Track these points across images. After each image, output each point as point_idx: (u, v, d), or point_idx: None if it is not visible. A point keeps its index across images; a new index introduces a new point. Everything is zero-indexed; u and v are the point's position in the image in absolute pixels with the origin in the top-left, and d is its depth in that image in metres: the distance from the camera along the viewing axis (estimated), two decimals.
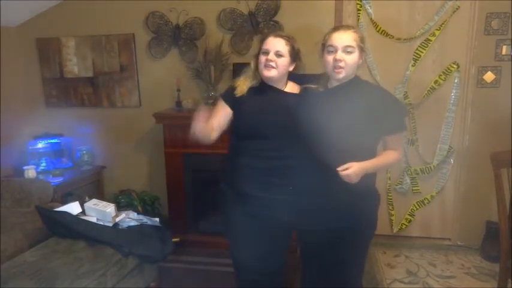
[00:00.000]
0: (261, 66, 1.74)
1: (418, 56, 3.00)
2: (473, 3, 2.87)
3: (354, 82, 1.67)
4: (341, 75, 1.62)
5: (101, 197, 3.27)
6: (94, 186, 3.51)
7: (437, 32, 2.95)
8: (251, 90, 1.78)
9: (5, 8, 3.00)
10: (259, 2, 3.08)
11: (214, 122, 1.78)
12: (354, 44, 1.60)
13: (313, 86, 1.75)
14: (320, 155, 1.59)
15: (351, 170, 1.53)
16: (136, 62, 3.38)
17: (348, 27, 1.68)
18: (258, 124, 1.72)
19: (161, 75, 3.33)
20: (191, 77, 3.22)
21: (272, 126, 1.71)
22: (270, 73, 1.73)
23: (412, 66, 3.02)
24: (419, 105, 3.07)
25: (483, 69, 2.92)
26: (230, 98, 1.80)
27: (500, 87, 2.91)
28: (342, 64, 1.59)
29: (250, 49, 3.13)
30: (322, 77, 1.74)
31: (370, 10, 3.03)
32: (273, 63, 1.71)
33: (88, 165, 3.44)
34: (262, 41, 1.78)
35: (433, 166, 3.11)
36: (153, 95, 3.38)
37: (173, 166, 3.02)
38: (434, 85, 3.01)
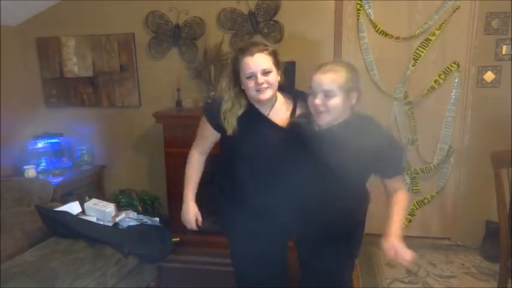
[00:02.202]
0: (252, 92, 1.56)
1: (418, 55, 3.00)
2: (473, 3, 2.87)
3: (348, 124, 1.53)
4: (323, 121, 1.51)
5: (101, 196, 3.26)
6: (94, 186, 3.51)
7: (437, 32, 2.94)
8: (239, 119, 1.61)
9: (5, 7, 3.00)
10: (259, 1, 3.08)
11: (205, 146, 1.75)
12: (334, 87, 1.46)
13: (304, 120, 1.61)
14: (310, 189, 1.56)
15: (394, 250, 1.50)
16: (136, 62, 3.37)
17: (332, 67, 1.52)
18: (247, 154, 1.62)
19: (161, 75, 3.33)
20: (191, 77, 3.22)
21: (264, 161, 1.61)
22: (266, 95, 1.56)
23: (412, 66, 3.02)
24: (420, 104, 3.07)
25: (483, 69, 2.92)
26: (218, 125, 1.63)
27: (500, 87, 2.91)
28: (322, 109, 1.48)
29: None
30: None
31: (369, 11, 3.03)
32: (264, 85, 1.54)
33: (88, 165, 3.44)
34: (237, 61, 1.58)
35: (433, 166, 3.11)
36: (153, 94, 3.38)
37: (173, 166, 3.02)
38: (434, 85, 3.01)
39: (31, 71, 3.54)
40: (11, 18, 3.32)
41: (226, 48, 3.13)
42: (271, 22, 3.09)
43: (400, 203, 1.61)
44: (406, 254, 1.48)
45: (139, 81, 3.41)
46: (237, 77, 1.61)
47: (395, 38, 3.00)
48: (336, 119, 1.52)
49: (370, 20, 3.03)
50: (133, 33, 3.32)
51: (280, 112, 1.65)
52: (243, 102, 1.62)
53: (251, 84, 1.55)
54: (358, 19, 3.04)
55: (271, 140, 1.61)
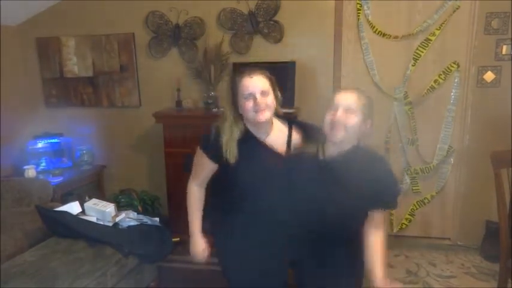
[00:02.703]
0: (249, 113, 1.55)
1: (418, 55, 3.00)
2: (473, 3, 2.87)
3: (353, 154, 1.54)
4: (337, 137, 1.50)
5: (101, 196, 3.26)
6: (94, 186, 3.51)
7: (437, 32, 2.94)
8: (238, 146, 1.59)
9: (5, 7, 3.00)
10: (259, 1, 3.08)
11: (203, 178, 1.71)
12: (356, 105, 1.49)
13: (305, 151, 1.61)
14: (311, 219, 1.53)
15: None
16: (136, 62, 3.38)
17: (353, 90, 1.57)
18: (246, 181, 1.59)
19: (161, 75, 3.33)
20: (191, 77, 3.22)
21: (264, 192, 1.58)
22: (264, 116, 1.55)
23: (412, 66, 3.02)
24: (419, 104, 3.07)
25: (483, 69, 2.92)
26: (216, 156, 1.61)
27: (500, 87, 2.91)
28: (341, 121, 1.48)
29: (250, 49, 3.14)
30: (317, 133, 1.61)
31: (367, 11, 3.03)
32: (263, 106, 1.54)
33: (88, 165, 3.44)
34: (235, 83, 1.59)
35: (433, 166, 3.11)
36: (153, 94, 3.38)
37: (173, 166, 3.02)
38: (434, 85, 3.01)
39: (31, 71, 3.54)
40: (11, 18, 3.32)
41: (226, 48, 3.13)
42: (271, 22, 3.09)
43: (378, 247, 1.58)
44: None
45: (139, 81, 3.41)
46: (234, 101, 1.61)
47: (394, 38, 2.99)
48: (349, 141, 1.53)
49: (368, 21, 3.03)
50: (133, 33, 3.32)
51: (276, 137, 1.65)
52: (241, 126, 1.61)
53: (249, 105, 1.55)
54: (358, 19, 3.04)
55: (270, 167, 1.60)
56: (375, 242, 1.57)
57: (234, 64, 3.08)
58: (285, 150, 1.64)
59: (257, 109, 1.54)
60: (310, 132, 1.65)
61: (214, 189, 1.75)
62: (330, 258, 1.60)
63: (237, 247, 1.67)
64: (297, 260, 1.70)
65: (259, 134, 1.63)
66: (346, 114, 1.49)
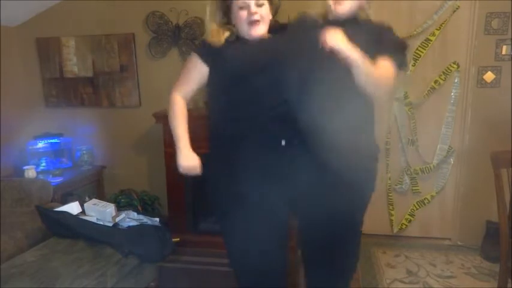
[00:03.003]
0: (243, 25, 1.47)
1: (418, 55, 3.00)
2: (473, 3, 2.87)
3: (355, 20, 1.52)
4: (345, 8, 1.48)
5: (101, 197, 3.27)
6: (94, 186, 3.51)
7: (437, 32, 2.95)
8: (229, 43, 1.50)
9: (5, 8, 3.00)
10: None
11: (187, 88, 1.60)
12: None
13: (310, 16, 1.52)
14: (321, 95, 1.40)
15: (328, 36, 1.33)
16: (137, 62, 3.38)
17: None
18: (240, 85, 1.46)
19: (161, 75, 3.33)
20: None
21: (254, 87, 1.46)
22: (259, 30, 1.47)
23: (412, 66, 3.02)
24: (420, 105, 3.07)
25: (483, 69, 2.92)
26: (207, 54, 1.52)
27: (500, 87, 2.91)
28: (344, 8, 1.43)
29: None
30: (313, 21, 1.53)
31: (369, 11, 3.02)
32: (257, 16, 1.45)
33: (88, 165, 3.44)
34: None
35: (433, 166, 3.11)
36: (153, 94, 3.38)
37: (173, 166, 3.00)
38: (434, 85, 3.01)
39: (31, 71, 3.54)
40: (11, 19, 3.32)
41: None
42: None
43: (379, 65, 1.43)
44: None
45: (139, 81, 3.41)
46: (228, 13, 1.52)
47: None
48: (349, 12, 1.51)
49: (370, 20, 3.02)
50: (133, 33, 3.32)
51: None
52: (234, 30, 1.52)
53: (243, 15, 1.46)
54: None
55: (265, 56, 1.48)
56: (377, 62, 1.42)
57: None
58: (291, 24, 1.59)
59: (251, 20, 1.46)
60: None
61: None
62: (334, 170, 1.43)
63: (239, 194, 1.53)
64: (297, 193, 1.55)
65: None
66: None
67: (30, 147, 3.34)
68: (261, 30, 1.48)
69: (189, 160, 1.57)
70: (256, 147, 1.51)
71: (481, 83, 2.94)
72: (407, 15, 3.00)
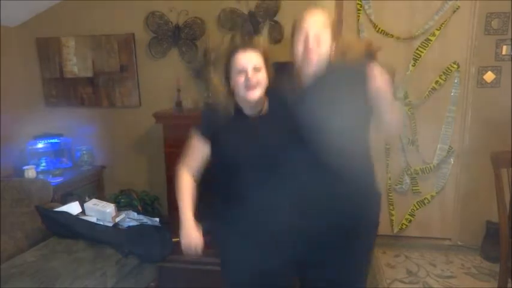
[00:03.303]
0: (240, 89, 1.50)
1: (418, 55, 3.00)
2: (473, 3, 2.87)
3: (330, 66, 1.50)
4: (313, 62, 1.46)
5: (101, 197, 3.26)
6: (94, 186, 3.50)
7: (437, 32, 2.95)
8: (226, 123, 1.56)
9: (5, 8, 3.00)
10: (259, 2, 3.08)
11: (193, 163, 1.64)
12: (325, 25, 1.48)
13: (280, 89, 1.55)
14: (316, 157, 1.43)
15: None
16: (136, 62, 3.37)
17: (317, 12, 1.53)
18: (239, 160, 1.53)
19: (161, 75, 3.33)
20: (191, 77, 3.22)
21: (251, 157, 1.51)
22: (256, 94, 1.50)
23: (412, 66, 3.02)
24: (420, 105, 3.07)
25: (483, 69, 2.92)
26: (206, 131, 1.59)
27: (500, 87, 2.91)
28: (314, 46, 1.44)
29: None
30: (290, 71, 1.56)
31: (369, 10, 3.03)
32: (254, 81, 1.49)
33: (88, 165, 3.44)
34: (227, 58, 1.55)
35: (433, 166, 3.11)
36: (153, 95, 3.38)
37: (173, 166, 3.00)
38: (434, 85, 3.01)
39: (31, 71, 3.54)
40: (11, 19, 3.32)
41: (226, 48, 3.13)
42: (271, 22, 3.09)
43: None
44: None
45: (139, 81, 3.41)
46: (227, 76, 1.57)
47: (396, 38, 3.00)
48: (323, 61, 1.48)
49: (370, 20, 3.03)
50: (133, 34, 3.32)
51: None
52: (231, 104, 1.57)
53: (241, 80, 1.50)
54: (358, 19, 3.04)
55: (256, 130, 1.54)
56: None
57: None
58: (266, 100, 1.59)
59: (248, 85, 1.50)
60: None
61: (211, 187, 1.67)
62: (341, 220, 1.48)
63: (238, 239, 1.59)
64: (302, 252, 1.57)
65: (249, 112, 1.59)
66: (317, 38, 1.46)
67: (30, 147, 3.34)
68: (257, 93, 1.52)
69: (190, 238, 1.61)
70: (257, 216, 1.54)
71: (481, 83, 2.94)
72: (407, 16, 3.00)
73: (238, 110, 1.58)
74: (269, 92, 1.57)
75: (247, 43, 1.58)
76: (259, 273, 1.56)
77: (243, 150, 1.53)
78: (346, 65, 1.54)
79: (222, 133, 1.56)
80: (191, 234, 1.60)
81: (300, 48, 1.49)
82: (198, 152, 1.63)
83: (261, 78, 1.52)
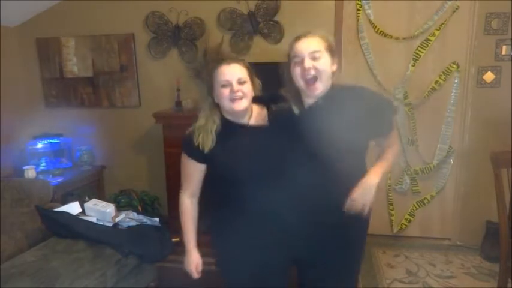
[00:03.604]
0: (225, 101, 1.51)
1: (418, 56, 3.00)
2: (473, 3, 2.87)
3: (332, 93, 1.49)
4: (316, 90, 1.45)
5: (101, 197, 3.26)
6: (94, 186, 3.51)
7: (437, 32, 2.95)
8: (217, 135, 1.55)
9: (5, 8, 3.00)
10: (259, 2, 3.08)
11: (193, 186, 1.65)
12: (321, 47, 1.45)
13: (281, 106, 1.56)
14: (311, 178, 1.45)
15: (355, 202, 1.42)
16: (136, 62, 3.38)
17: (311, 33, 1.49)
18: (239, 172, 1.53)
19: (161, 75, 3.33)
20: (191, 77, 3.22)
21: (251, 170, 1.51)
22: (241, 105, 1.51)
23: (412, 66, 3.02)
24: (420, 105, 3.07)
25: (483, 69, 2.92)
26: (199, 154, 1.56)
27: (500, 87, 2.91)
28: (312, 72, 1.42)
29: (250, 49, 3.14)
30: (290, 91, 1.55)
31: (369, 11, 3.03)
32: (240, 94, 1.50)
33: (88, 165, 3.44)
34: (212, 72, 1.55)
35: (433, 166, 3.11)
36: (153, 95, 3.39)
37: (173, 166, 3.01)
38: (434, 85, 3.01)
39: (31, 71, 3.54)
40: (11, 19, 3.32)
41: (226, 48, 3.13)
42: (271, 22, 3.09)
43: (392, 150, 1.57)
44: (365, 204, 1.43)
45: (139, 81, 3.41)
46: (210, 90, 1.58)
47: (395, 38, 3.00)
48: (326, 86, 1.47)
49: (370, 21, 3.03)
50: (133, 34, 3.33)
51: (258, 120, 1.61)
52: (216, 118, 1.57)
53: (226, 93, 1.51)
54: (358, 19, 3.04)
55: (257, 143, 1.55)
56: (387, 150, 1.56)
57: None
58: (268, 118, 1.60)
59: (233, 97, 1.51)
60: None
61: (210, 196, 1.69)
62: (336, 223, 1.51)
63: (237, 242, 1.61)
64: (299, 250, 1.60)
65: (239, 121, 1.59)
66: (313, 61, 1.43)
67: (30, 147, 3.34)
68: (243, 104, 1.53)
69: (192, 263, 1.75)
70: (255, 225, 1.57)
71: (481, 83, 2.94)
72: (407, 16, 3.00)
73: (226, 121, 1.58)
74: (271, 104, 1.60)
75: (231, 56, 1.58)
76: (258, 273, 1.60)
77: (240, 159, 1.53)
78: (346, 87, 1.55)
79: (217, 147, 1.55)
80: (194, 261, 1.74)
81: (300, 81, 1.47)
82: (195, 174, 1.63)
83: (246, 90, 1.53)
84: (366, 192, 1.45)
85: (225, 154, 1.54)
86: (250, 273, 1.62)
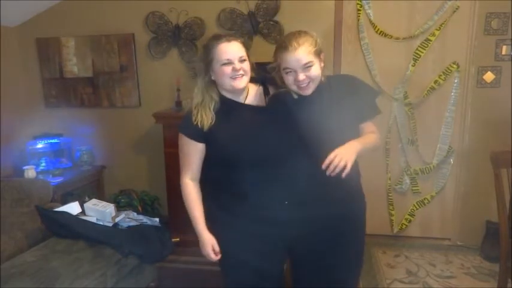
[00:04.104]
0: (226, 79, 1.52)
1: (418, 56, 3.00)
2: (473, 3, 2.87)
3: (325, 85, 1.55)
4: (309, 91, 1.50)
5: (101, 197, 3.27)
6: (94, 186, 3.51)
7: (437, 32, 2.95)
8: (216, 113, 1.55)
9: (5, 8, 3.00)
10: (259, 2, 3.08)
11: (193, 167, 1.61)
12: (311, 57, 1.47)
13: (282, 90, 1.58)
14: (310, 160, 1.47)
15: (338, 159, 1.39)
16: (136, 62, 3.38)
17: (297, 40, 1.47)
18: (240, 151, 1.52)
19: (161, 75, 3.34)
20: (191, 77, 3.22)
21: (254, 148, 1.52)
22: (242, 83, 1.53)
23: (412, 66, 3.02)
24: (419, 105, 3.07)
25: (483, 69, 2.92)
26: (197, 133, 1.55)
27: (500, 87, 2.91)
28: (307, 81, 1.48)
29: (250, 49, 3.13)
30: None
31: (369, 11, 3.03)
32: (241, 72, 1.51)
33: (88, 165, 3.44)
34: (210, 49, 1.53)
35: (433, 166, 3.11)
36: (153, 95, 3.39)
37: (173, 166, 3.00)
38: (434, 85, 3.01)
39: (31, 71, 3.54)
40: (11, 19, 3.32)
41: None
42: (271, 22, 3.09)
43: (368, 136, 1.57)
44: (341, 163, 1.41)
45: (139, 81, 3.41)
46: (207, 68, 1.56)
47: (395, 38, 3.00)
48: (318, 83, 1.52)
49: (370, 21, 3.03)
50: (133, 34, 3.32)
51: (253, 98, 1.62)
52: (214, 95, 1.57)
53: (227, 71, 1.50)
54: (358, 19, 3.04)
55: (257, 123, 1.55)
56: (368, 134, 1.57)
57: None
58: (267, 101, 1.62)
59: (235, 75, 1.51)
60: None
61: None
62: (334, 212, 1.54)
63: (233, 225, 1.60)
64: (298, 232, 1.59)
65: (236, 99, 1.60)
66: (307, 73, 1.47)
67: (30, 147, 3.34)
68: (244, 82, 1.54)
69: (207, 245, 1.63)
70: (258, 205, 1.56)
71: (480, 83, 2.94)
72: (407, 16, 3.00)
73: (223, 99, 1.59)
74: (271, 86, 1.62)
75: (230, 34, 1.58)
76: (254, 258, 1.60)
77: (240, 137, 1.54)
78: (334, 76, 1.65)
79: (216, 124, 1.55)
80: (208, 243, 1.62)
81: (293, 87, 1.52)
82: (194, 155, 1.61)
83: (246, 67, 1.54)
84: (347, 151, 1.43)
85: (224, 132, 1.54)
86: (247, 259, 1.61)
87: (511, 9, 2.80)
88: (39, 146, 3.34)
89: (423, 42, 2.98)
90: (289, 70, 1.49)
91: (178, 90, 3.18)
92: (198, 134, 1.56)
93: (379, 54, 3.05)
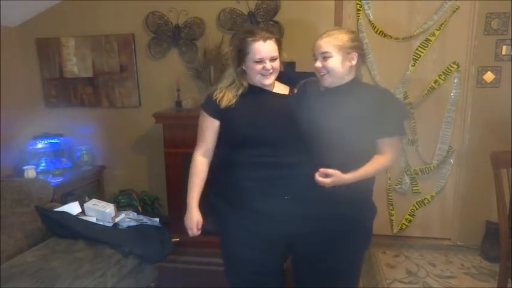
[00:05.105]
0: (256, 75, 1.61)
1: (418, 56, 3.00)
2: (473, 3, 2.87)
3: (353, 84, 1.59)
4: (325, 82, 1.57)
5: (101, 197, 3.27)
6: (94, 186, 3.51)
7: (437, 32, 2.95)
8: (240, 96, 1.64)
9: (5, 8, 3.00)
10: (259, 2, 3.08)
11: (207, 143, 1.69)
12: (330, 48, 1.52)
13: (310, 79, 1.67)
14: (319, 157, 1.50)
15: (329, 180, 1.46)
16: (136, 62, 3.38)
17: (330, 32, 1.57)
18: (255, 131, 1.59)
19: (161, 75, 3.34)
20: (191, 77, 3.22)
21: (270, 131, 1.59)
22: (270, 80, 1.63)
23: (412, 66, 3.02)
24: (419, 105, 3.07)
25: (483, 69, 2.92)
26: (215, 110, 1.64)
27: (500, 87, 2.91)
28: (323, 71, 1.55)
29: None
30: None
31: (369, 11, 3.03)
32: (271, 70, 1.60)
33: (88, 165, 3.44)
34: (245, 44, 1.59)
35: (433, 166, 3.11)
36: (153, 95, 3.39)
37: (173, 166, 3.02)
38: (434, 85, 3.01)
39: (31, 71, 3.54)
40: (11, 19, 3.32)
41: (226, 48, 3.13)
42: (271, 22, 3.09)
43: (371, 164, 1.56)
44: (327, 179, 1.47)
45: (139, 81, 3.41)
46: (240, 57, 1.63)
47: (395, 39, 3.00)
48: (339, 79, 1.57)
49: (370, 21, 3.03)
50: (133, 34, 3.33)
51: (281, 87, 1.72)
52: (244, 82, 1.65)
53: (258, 68, 1.59)
54: (358, 19, 3.04)
55: (274, 110, 1.63)
56: (372, 161, 1.56)
57: None
58: (294, 90, 1.70)
59: (265, 73, 1.60)
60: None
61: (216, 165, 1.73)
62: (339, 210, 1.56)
63: (240, 204, 1.64)
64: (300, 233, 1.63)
65: (263, 87, 1.68)
66: (323, 60, 1.54)
67: (30, 147, 3.34)
68: (272, 79, 1.64)
69: (193, 219, 1.73)
70: (260, 197, 1.60)
71: (480, 83, 2.94)
72: (407, 16, 3.00)
73: (252, 86, 1.66)
74: (299, 78, 1.70)
75: (268, 31, 1.63)
76: (255, 254, 1.66)
77: (258, 119, 1.62)
78: (367, 83, 1.70)
79: (235, 109, 1.62)
80: (193, 218, 1.72)
81: (316, 73, 1.60)
82: (209, 131, 1.69)
83: (276, 65, 1.62)
84: (334, 182, 1.48)
85: (240, 113, 1.61)
86: (246, 252, 1.66)
87: (511, 9, 2.80)
88: (39, 146, 3.34)
89: (423, 42, 2.98)
90: (313, 57, 1.58)
91: (178, 90, 3.18)
92: (215, 111, 1.64)
93: (379, 54, 3.05)
